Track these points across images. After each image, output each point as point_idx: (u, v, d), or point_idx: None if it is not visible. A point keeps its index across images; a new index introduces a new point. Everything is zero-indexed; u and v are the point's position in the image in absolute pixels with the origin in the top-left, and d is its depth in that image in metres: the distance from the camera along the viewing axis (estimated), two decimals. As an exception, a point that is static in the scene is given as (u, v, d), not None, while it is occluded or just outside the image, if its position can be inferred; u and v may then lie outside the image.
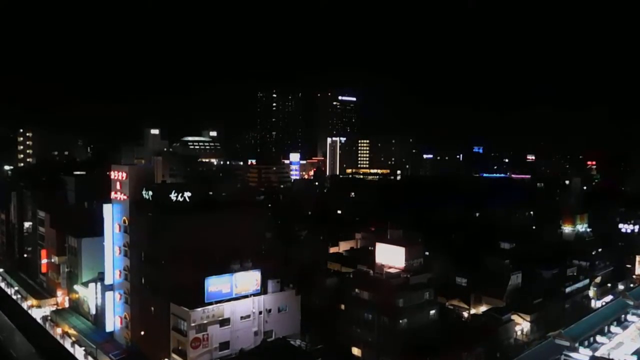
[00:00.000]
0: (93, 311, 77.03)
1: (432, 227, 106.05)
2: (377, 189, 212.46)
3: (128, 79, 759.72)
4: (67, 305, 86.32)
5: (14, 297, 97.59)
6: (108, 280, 71.27)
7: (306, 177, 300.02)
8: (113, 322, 71.26)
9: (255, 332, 60.87)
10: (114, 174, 69.80)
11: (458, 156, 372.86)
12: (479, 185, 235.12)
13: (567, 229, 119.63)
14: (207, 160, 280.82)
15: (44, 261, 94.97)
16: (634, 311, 76.56)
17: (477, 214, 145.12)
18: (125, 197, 67.86)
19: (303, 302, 65.43)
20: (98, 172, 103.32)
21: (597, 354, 63.24)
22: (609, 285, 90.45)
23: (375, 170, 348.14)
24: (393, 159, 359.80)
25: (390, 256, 68.86)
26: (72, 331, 76.22)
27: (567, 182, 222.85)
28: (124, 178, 68.00)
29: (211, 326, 57.63)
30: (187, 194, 66.44)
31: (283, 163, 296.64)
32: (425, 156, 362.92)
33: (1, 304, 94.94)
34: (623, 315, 75.49)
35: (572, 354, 61.25)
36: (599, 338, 67.82)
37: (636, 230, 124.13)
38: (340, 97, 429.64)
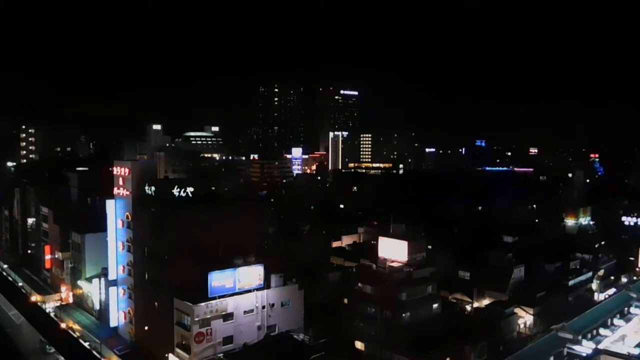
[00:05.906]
0: (97, 307, 77.34)
1: (435, 221, 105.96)
2: (380, 183, 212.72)
3: (130, 75, 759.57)
4: (71, 300, 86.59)
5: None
6: (112, 276, 71.46)
7: (308, 171, 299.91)
8: (117, 317, 71.52)
9: (259, 326, 61.03)
10: (116, 170, 69.72)
11: (460, 150, 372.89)
12: (481, 179, 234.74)
13: (570, 222, 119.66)
14: (209, 155, 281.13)
15: (48, 257, 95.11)
16: (637, 304, 76.66)
17: (480, 208, 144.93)
18: (128, 193, 67.89)
19: (306, 296, 65.50)
20: (101, 168, 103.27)
21: (601, 346, 63.30)
22: (612, 278, 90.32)
23: (377, 165, 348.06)
24: (395, 153, 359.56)
25: (393, 250, 68.80)
26: (76, 326, 76.52)
27: (570, 175, 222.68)
28: (126, 174, 67.98)
29: (214, 321, 57.75)
30: (190, 190, 66.44)
31: (285, 158, 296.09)
32: (427, 150, 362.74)
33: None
34: (626, 308, 75.62)
35: (575, 347, 61.38)
36: (602, 331, 67.93)
37: (639, 223, 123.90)
38: (342, 92, 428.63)
